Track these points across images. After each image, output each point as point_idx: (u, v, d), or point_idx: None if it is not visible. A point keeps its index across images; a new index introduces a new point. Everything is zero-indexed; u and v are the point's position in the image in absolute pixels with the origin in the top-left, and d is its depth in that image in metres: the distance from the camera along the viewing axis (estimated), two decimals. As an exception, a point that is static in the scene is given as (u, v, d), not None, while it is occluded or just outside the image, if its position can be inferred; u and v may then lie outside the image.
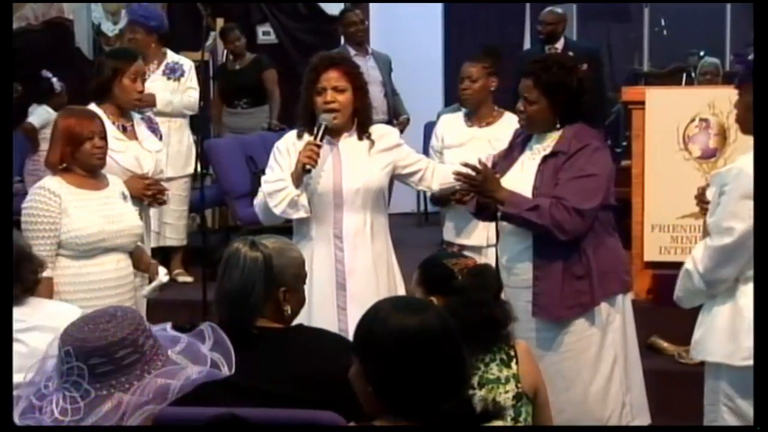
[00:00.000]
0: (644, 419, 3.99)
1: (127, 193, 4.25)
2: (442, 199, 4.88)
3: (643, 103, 5.62)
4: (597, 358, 3.81)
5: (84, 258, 4.00)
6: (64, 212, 3.95)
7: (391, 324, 2.13)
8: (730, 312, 3.26)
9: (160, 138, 4.97)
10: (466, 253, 4.84)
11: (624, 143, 7.57)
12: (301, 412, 2.61)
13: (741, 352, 3.20)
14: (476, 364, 3.10)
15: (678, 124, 5.56)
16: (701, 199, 3.55)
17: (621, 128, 7.94)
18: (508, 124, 4.93)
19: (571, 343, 3.78)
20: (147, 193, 4.54)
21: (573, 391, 3.77)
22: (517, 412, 3.09)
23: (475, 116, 5.10)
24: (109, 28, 9.27)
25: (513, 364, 3.12)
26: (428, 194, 4.98)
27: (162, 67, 6.60)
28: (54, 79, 7.93)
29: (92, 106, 4.60)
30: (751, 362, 3.14)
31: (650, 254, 5.55)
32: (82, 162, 4.04)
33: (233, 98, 7.94)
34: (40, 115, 7.73)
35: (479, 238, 4.96)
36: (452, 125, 5.16)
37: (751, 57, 3.34)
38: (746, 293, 3.23)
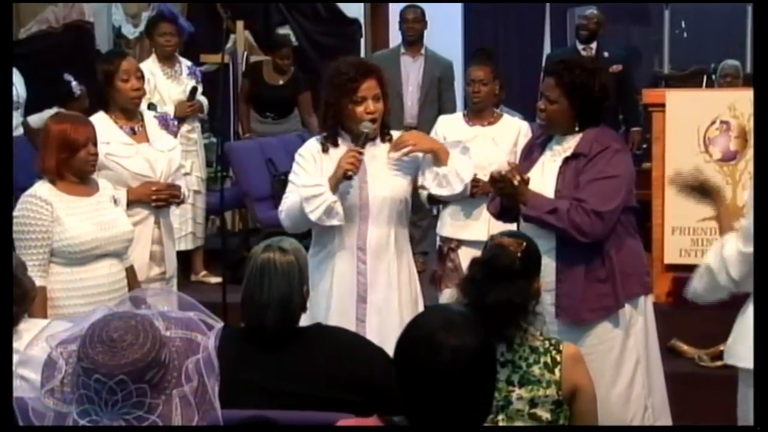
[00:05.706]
0: (666, 422, 3.98)
1: (117, 196, 4.16)
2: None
3: (663, 105, 5.60)
4: (619, 360, 3.80)
5: (76, 265, 3.90)
6: (57, 220, 3.84)
7: (432, 341, 2.10)
8: None
9: (176, 135, 4.90)
10: (464, 248, 4.84)
11: (644, 145, 7.56)
12: (333, 415, 2.60)
13: None
14: (518, 362, 3.07)
15: (698, 126, 5.53)
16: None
17: (642, 131, 7.93)
18: (508, 124, 5.04)
19: (593, 345, 3.77)
20: (154, 197, 4.40)
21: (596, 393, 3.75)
22: (555, 417, 3.05)
23: (477, 116, 5.10)
24: (130, 31, 9.29)
25: (557, 371, 3.05)
26: (424, 194, 4.93)
27: (185, 69, 6.65)
28: (74, 83, 7.90)
29: (100, 115, 4.48)
30: None
31: (670, 257, 5.53)
32: (76, 169, 3.94)
33: (264, 108, 7.91)
34: (41, 117, 7.55)
35: (479, 233, 4.80)
36: (452, 124, 5.15)
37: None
38: None
